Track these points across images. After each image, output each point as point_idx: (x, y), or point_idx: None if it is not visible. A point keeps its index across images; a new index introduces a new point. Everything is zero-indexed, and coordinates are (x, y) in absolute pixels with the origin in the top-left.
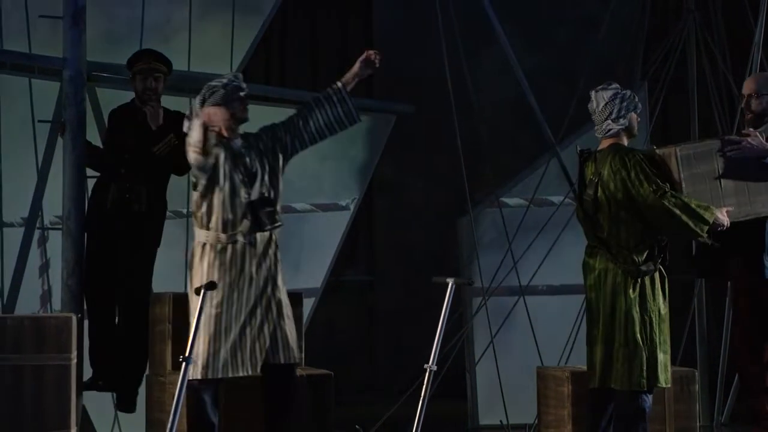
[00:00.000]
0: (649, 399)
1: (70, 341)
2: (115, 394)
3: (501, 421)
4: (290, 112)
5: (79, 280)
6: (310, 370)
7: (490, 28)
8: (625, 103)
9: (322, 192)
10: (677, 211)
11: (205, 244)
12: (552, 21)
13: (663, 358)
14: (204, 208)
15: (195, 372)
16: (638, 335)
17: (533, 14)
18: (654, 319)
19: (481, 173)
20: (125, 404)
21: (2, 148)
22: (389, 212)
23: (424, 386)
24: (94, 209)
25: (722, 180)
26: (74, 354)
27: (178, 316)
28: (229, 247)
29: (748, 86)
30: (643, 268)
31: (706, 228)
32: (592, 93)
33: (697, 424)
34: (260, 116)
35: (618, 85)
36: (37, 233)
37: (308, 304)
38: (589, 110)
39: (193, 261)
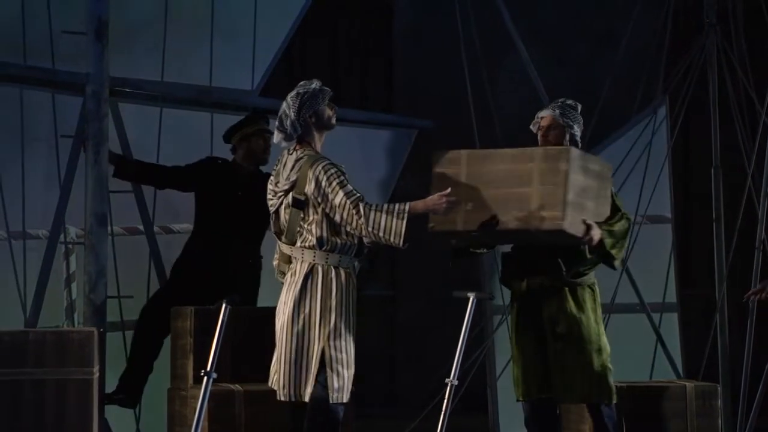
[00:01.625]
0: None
1: (93, 355)
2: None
3: None
4: None
5: (102, 294)
6: None
7: (510, 44)
8: None
9: None
10: None
11: (338, 268)
12: (573, 36)
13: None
14: (333, 231)
15: (343, 396)
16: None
17: (554, 29)
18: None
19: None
20: None
21: (26, 161)
22: (410, 226)
23: (446, 400)
24: (191, 260)
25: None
26: (96, 368)
27: (199, 330)
28: (351, 270)
29: None
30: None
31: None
32: None
33: None
34: None
35: None
36: (62, 246)
37: None
38: None
39: (326, 282)
